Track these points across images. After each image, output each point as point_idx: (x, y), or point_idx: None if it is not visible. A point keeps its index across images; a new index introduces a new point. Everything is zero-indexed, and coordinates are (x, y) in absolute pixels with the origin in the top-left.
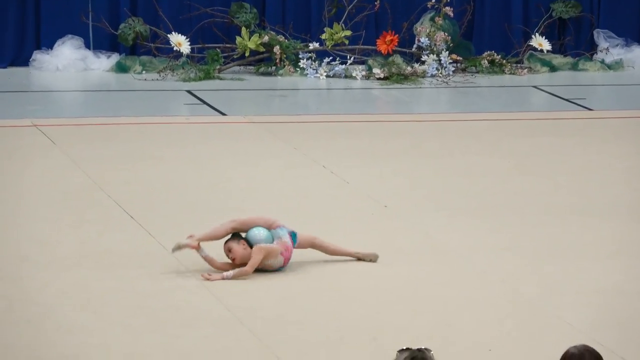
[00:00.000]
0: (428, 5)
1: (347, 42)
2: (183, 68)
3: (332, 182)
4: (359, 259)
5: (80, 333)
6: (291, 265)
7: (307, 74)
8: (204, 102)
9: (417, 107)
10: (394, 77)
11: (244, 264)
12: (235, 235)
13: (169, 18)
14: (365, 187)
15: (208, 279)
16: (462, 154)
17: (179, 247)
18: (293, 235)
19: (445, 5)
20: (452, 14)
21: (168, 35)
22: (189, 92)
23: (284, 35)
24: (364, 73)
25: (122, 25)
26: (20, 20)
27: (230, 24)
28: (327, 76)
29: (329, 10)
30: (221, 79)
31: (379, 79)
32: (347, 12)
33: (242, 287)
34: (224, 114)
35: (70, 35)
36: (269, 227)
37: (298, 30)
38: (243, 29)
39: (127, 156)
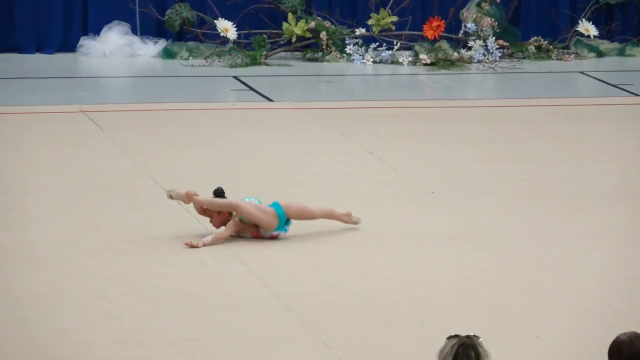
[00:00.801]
0: None
1: (393, 27)
2: (230, 54)
3: (379, 168)
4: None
5: (129, 319)
6: (334, 250)
7: (354, 59)
8: (251, 88)
9: (463, 93)
10: (441, 63)
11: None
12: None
13: (215, 4)
14: (412, 173)
15: (193, 246)
16: (509, 139)
17: (171, 197)
18: (283, 229)
19: None
20: (499, 0)
21: (215, 21)
22: (235, 78)
23: (330, 21)
24: (410, 59)
25: (169, 11)
26: (67, 6)
27: (277, 9)
28: (374, 62)
29: None
30: (268, 64)
31: (426, 64)
32: None
33: (289, 272)
34: (270, 100)
35: (117, 21)
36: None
37: (344, 15)
38: (290, 14)
39: (174, 142)
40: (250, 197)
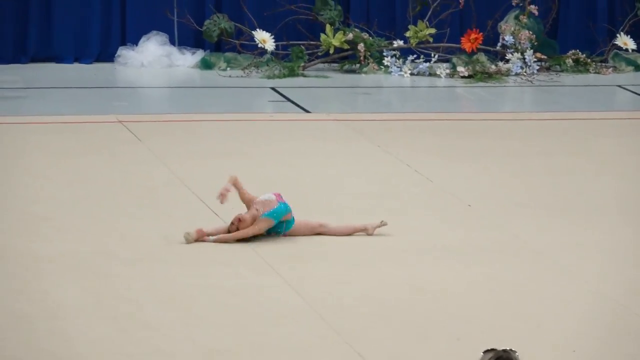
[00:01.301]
0: (513, 3)
1: (431, 39)
2: (267, 65)
3: (416, 181)
4: (368, 233)
5: (167, 329)
6: (369, 261)
7: (391, 71)
8: (288, 99)
9: (501, 105)
10: (478, 76)
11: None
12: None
13: (253, 15)
14: (448, 185)
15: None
16: (546, 152)
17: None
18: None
19: (530, 4)
20: (536, 12)
21: (253, 32)
22: (273, 89)
23: (368, 32)
24: (448, 71)
25: (207, 22)
26: (106, 16)
27: (315, 21)
28: (411, 74)
29: (413, 8)
30: (305, 76)
31: (463, 77)
32: (431, 9)
33: (324, 283)
34: (308, 112)
35: (155, 32)
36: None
37: (382, 27)
38: (327, 26)
39: (211, 153)
40: (268, 193)
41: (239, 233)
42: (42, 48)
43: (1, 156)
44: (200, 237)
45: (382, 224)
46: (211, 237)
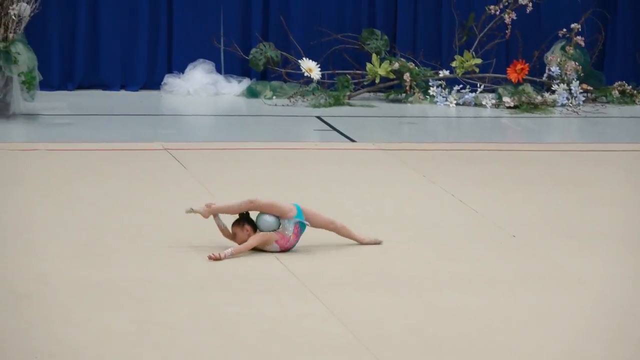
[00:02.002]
0: (559, 34)
1: (477, 70)
2: (313, 94)
3: (461, 211)
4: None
5: (209, 357)
6: (413, 290)
7: (437, 101)
8: (334, 128)
9: (547, 136)
10: (524, 106)
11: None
12: (241, 219)
13: (300, 43)
14: (493, 216)
15: (217, 259)
16: (592, 183)
17: (191, 211)
18: (302, 225)
19: (576, 35)
20: (583, 44)
21: (299, 60)
22: (318, 118)
23: (414, 62)
24: (493, 101)
25: (253, 50)
26: (152, 44)
27: (361, 50)
28: (457, 104)
29: (459, 38)
30: (351, 105)
31: (509, 107)
32: (478, 40)
33: (368, 312)
34: (353, 140)
35: (201, 60)
36: (282, 216)
37: (428, 57)
38: (374, 55)
39: (256, 181)
40: (271, 215)
41: (254, 241)
42: (88, 75)
43: (47, 182)
44: (211, 212)
45: (376, 241)
46: (227, 251)
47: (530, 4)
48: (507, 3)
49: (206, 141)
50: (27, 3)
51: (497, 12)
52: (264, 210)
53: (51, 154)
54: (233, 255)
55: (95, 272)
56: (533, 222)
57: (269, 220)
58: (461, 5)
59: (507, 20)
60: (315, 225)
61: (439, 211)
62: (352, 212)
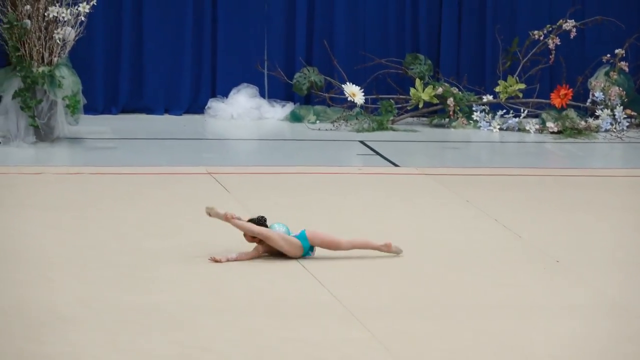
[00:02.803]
0: (603, 60)
1: (521, 95)
2: (357, 118)
3: (504, 236)
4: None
5: None
6: (456, 316)
7: (480, 126)
8: (377, 153)
9: (590, 161)
10: (568, 131)
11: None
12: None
13: (343, 68)
14: (537, 241)
15: (217, 261)
16: (636, 208)
17: (211, 212)
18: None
19: (620, 60)
20: (627, 69)
21: (342, 85)
22: (362, 142)
23: (457, 87)
24: (537, 126)
25: (297, 75)
26: (196, 68)
27: (405, 75)
28: (500, 129)
29: (503, 63)
30: (394, 130)
31: (553, 132)
32: (521, 65)
33: (411, 338)
34: (396, 165)
35: (245, 84)
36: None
37: (472, 82)
38: (417, 80)
39: (300, 205)
40: (280, 223)
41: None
42: (132, 99)
43: (91, 206)
44: (228, 219)
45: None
46: (232, 255)
47: (574, 30)
48: (551, 28)
49: (249, 165)
50: (72, 27)
51: (541, 38)
52: (275, 247)
53: (95, 177)
54: (236, 259)
55: (138, 296)
56: (577, 248)
57: (282, 229)
58: (505, 30)
59: (551, 45)
60: (328, 246)
61: (482, 236)
62: (395, 237)
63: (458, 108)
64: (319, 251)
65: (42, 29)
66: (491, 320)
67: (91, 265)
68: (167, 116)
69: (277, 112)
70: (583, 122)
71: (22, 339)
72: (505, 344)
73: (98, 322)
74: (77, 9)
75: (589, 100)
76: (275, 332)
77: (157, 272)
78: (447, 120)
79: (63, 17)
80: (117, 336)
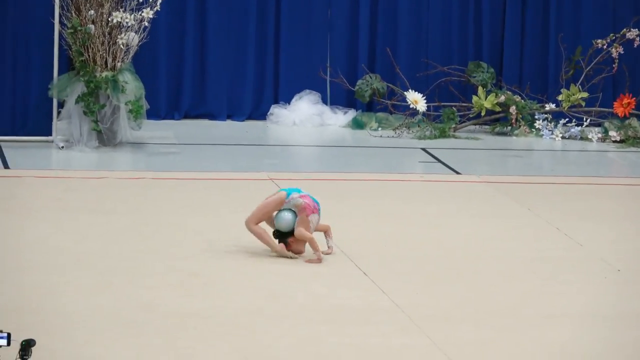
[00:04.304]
0: None
1: (583, 103)
2: (419, 126)
3: (566, 244)
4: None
5: None
6: (517, 325)
7: (543, 134)
8: (439, 160)
9: None
10: (630, 141)
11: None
12: (281, 236)
13: (406, 75)
14: (599, 249)
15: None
16: None
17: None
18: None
19: None
20: None
21: (405, 92)
22: (424, 149)
23: (520, 95)
24: (599, 135)
25: (359, 82)
26: (259, 75)
27: (467, 82)
28: (563, 137)
29: (566, 72)
30: (456, 137)
31: (615, 141)
32: (584, 73)
33: (470, 347)
34: (458, 173)
35: (308, 91)
36: (280, 206)
37: (535, 90)
38: (480, 88)
39: (361, 212)
40: (294, 188)
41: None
42: (195, 105)
43: (151, 211)
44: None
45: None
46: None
47: (638, 38)
48: (614, 37)
49: (311, 172)
50: (136, 32)
51: (605, 46)
52: (266, 214)
53: (157, 182)
54: (317, 248)
55: (199, 301)
56: (638, 257)
57: (287, 217)
58: (568, 39)
59: (615, 54)
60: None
61: (543, 245)
62: (456, 244)
63: (520, 116)
64: (381, 256)
65: (106, 34)
66: (552, 330)
67: (152, 270)
68: (229, 122)
69: (339, 119)
70: None
71: (84, 344)
72: (567, 353)
73: (159, 327)
74: (140, 15)
75: None
76: (334, 339)
77: (216, 278)
78: (509, 128)
79: (127, 23)
80: (177, 341)
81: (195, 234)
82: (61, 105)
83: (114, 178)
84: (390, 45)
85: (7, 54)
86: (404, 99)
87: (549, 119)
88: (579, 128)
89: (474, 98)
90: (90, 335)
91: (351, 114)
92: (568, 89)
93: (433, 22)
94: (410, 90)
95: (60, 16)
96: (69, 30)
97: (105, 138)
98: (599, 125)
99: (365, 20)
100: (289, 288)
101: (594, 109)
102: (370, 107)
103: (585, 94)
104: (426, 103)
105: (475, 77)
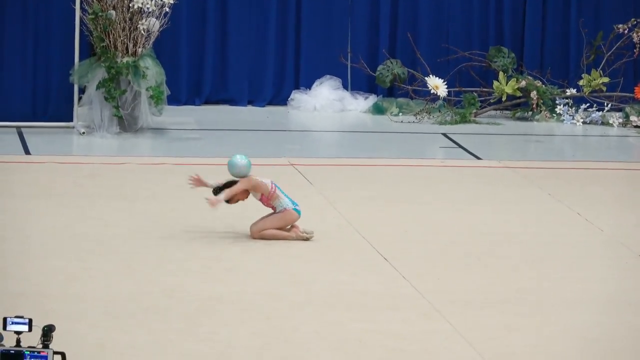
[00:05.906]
0: None
1: (604, 89)
2: (439, 111)
3: (586, 230)
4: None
5: None
6: (536, 311)
7: (564, 120)
8: (460, 146)
9: None
10: None
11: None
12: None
13: (426, 61)
14: (619, 235)
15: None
16: None
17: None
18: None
19: None
20: None
21: (425, 78)
22: (444, 135)
23: (541, 80)
24: (620, 120)
25: (380, 67)
26: (280, 60)
27: (488, 68)
28: (584, 122)
29: (587, 57)
30: (477, 122)
31: (636, 126)
32: (605, 58)
33: (492, 332)
34: (479, 158)
35: (328, 76)
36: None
37: (556, 75)
38: (500, 73)
39: (382, 198)
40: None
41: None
42: (216, 90)
43: (174, 196)
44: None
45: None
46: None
47: None
48: (635, 22)
49: (331, 157)
50: (157, 18)
51: (626, 31)
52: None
53: (178, 168)
54: (226, 198)
55: (221, 285)
56: None
57: (241, 163)
58: (589, 24)
59: (636, 39)
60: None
61: (564, 230)
62: (477, 230)
63: (541, 101)
64: (406, 245)
65: (127, 19)
66: (574, 314)
67: (174, 256)
68: (250, 107)
69: (359, 104)
70: None
71: (105, 328)
72: (588, 338)
73: (180, 312)
74: (161, 0)
75: None
76: (356, 325)
77: (238, 263)
78: (530, 113)
79: (148, 8)
80: (199, 327)
81: (216, 219)
82: (82, 91)
83: (135, 164)
84: (411, 31)
85: (28, 40)
86: (425, 84)
87: (570, 104)
88: (600, 113)
89: (495, 83)
90: (113, 320)
91: (372, 99)
92: (589, 74)
93: (454, 7)
94: (431, 75)
95: (81, 2)
96: (90, 16)
97: (126, 124)
98: (619, 110)
99: (386, 5)
100: (311, 274)
101: (615, 94)
102: (391, 92)
103: (606, 79)
104: (447, 88)
105: (496, 62)
